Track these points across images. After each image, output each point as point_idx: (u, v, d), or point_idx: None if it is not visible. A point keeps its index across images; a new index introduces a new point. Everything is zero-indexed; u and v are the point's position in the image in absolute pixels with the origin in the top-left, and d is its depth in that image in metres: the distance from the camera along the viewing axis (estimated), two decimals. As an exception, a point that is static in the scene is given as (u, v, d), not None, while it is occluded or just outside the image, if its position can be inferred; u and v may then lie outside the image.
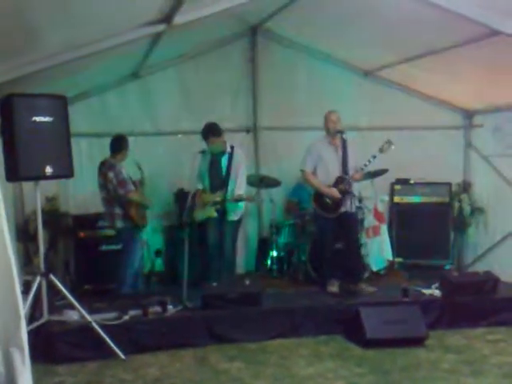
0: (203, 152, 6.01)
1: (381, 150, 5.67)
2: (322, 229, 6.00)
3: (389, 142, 5.68)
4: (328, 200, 5.78)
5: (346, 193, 5.71)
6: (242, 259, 7.11)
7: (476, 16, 4.88)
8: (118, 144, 5.84)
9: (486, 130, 7.26)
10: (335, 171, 5.78)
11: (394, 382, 4.14)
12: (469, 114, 7.60)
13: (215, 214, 5.87)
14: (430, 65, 6.22)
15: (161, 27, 4.61)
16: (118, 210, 5.70)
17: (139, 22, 4.52)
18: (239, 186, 5.90)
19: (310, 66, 7.25)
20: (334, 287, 5.83)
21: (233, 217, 5.95)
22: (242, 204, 5.94)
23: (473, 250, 7.40)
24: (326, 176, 5.83)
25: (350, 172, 5.71)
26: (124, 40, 4.53)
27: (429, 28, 5.33)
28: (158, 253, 6.79)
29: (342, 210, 5.75)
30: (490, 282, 5.67)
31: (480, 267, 6.71)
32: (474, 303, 5.51)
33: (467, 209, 7.27)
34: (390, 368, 4.43)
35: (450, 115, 7.63)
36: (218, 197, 5.85)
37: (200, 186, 6.06)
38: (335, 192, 5.72)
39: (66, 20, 3.93)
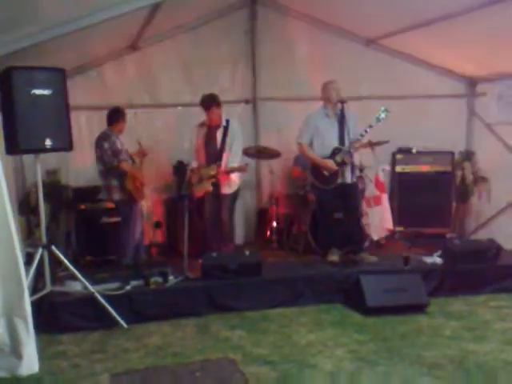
0: (201, 125, 6.02)
1: (377, 119, 5.62)
2: (320, 200, 6.00)
3: (385, 111, 5.62)
4: (325, 172, 5.77)
5: (343, 164, 5.69)
6: (242, 230, 7.13)
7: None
8: (114, 116, 5.86)
9: (490, 98, 7.19)
10: (332, 142, 5.74)
11: (395, 349, 4.17)
12: (472, 82, 7.52)
13: (211, 188, 5.89)
14: (432, 33, 6.12)
15: (159, -3, 4.56)
16: (114, 183, 5.75)
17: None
18: (232, 158, 5.90)
19: (311, 35, 7.14)
20: (334, 256, 5.85)
21: (227, 190, 5.96)
22: (234, 176, 5.94)
23: (475, 218, 7.40)
24: (322, 148, 5.79)
25: (349, 142, 5.66)
26: (122, 11, 4.48)
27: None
28: (157, 224, 6.82)
29: (340, 181, 5.73)
30: (492, 249, 5.68)
31: (483, 235, 6.71)
32: (477, 271, 5.53)
33: (470, 177, 7.24)
34: (390, 335, 4.47)
35: (452, 83, 7.55)
36: (212, 170, 5.86)
37: (194, 164, 6.06)
38: (331, 164, 5.70)
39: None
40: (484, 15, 5.29)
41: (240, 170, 5.91)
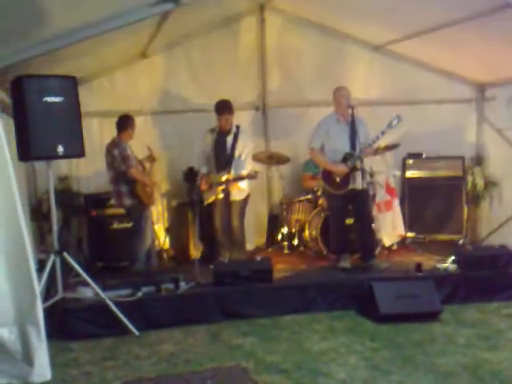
0: (212, 130, 6.03)
1: (389, 126, 5.59)
2: (331, 205, 5.99)
3: (398, 117, 5.60)
4: (336, 177, 5.75)
5: (354, 169, 5.67)
6: (253, 236, 7.12)
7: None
8: (124, 122, 5.89)
9: (499, 103, 7.16)
10: (343, 148, 5.73)
11: (409, 357, 4.13)
12: (481, 87, 7.50)
13: (221, 195, 5.89)
14: (441, 38, 6.11)
15: (169, 6, 4.57)
16: (124, 189, 5.77)
17: (147, 1, 4.48)
18: (242, 166, 5.90)
19: (319, 41, 7.16)
20: (346, 263, 5.82)
21: (237, 196, 5.97)
22: (244, 183, 5.94)
23: (487, 223, 7.35)
24: (333, 152, 5.79)
25: (360, 148, 5.65)
26: (132, 19, 4.52)
27: (440, 1, 5.23)
28: (168, 230, 6.82)
29: (351, 186, 5.72)
30: (504, 256, 5.63)
31: (494, 241, 6.67)
32: (489, 277, 5.48)
33: (481, 182, 7.21)
34: (404, 343, 4.42)
35: (462, 88, 7.53)
36: (222, 177, 5.86)
37: (204, 170, 6.07)
38: (342, 168, 5.68)
39: (74, 0, 3.92)
40: (492, 20, 5.28)
41: (249, 177, 5.87)
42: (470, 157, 7.41)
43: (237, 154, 5.94)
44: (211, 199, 5.99)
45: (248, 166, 5.95)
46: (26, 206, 5.29)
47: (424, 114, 7.22)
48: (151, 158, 6.07)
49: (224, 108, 5.92)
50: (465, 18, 5.49)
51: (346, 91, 5.80)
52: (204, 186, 5.98)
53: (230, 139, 5.99)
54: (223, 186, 5.86)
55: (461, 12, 5.44)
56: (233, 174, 5.86)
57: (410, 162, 7.35)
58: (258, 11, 7.08)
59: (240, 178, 5.86)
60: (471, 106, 7.54)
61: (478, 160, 7.39)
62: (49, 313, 4.36)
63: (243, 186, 5.98)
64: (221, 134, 6.04)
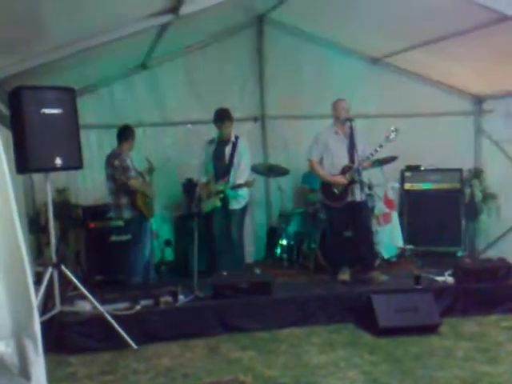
0: (211, 142, 6.05)
1: (387, 139, 5.61)
2: (330, 218, 5.98)
3: (395, 130, 5.62)
4: (335, 189, 5.76)
5: (353, 182, 5.68)
6: (252, 248, 7.11)
7: (486, 1, 4.82)
8: (124, 134, 5.89)
9: (497, 116, 7.20)
10: (342, 160, 5.75)
11: (408, 371, 4.11)
12: (479, 100, 7.54)
13: (219, 204, 5.90)
14: (438, 51, 6.16)
15: (168, 17, 4.60)
16: (124, 200, 5.74)
17: (146, 12, 4.51)
18: (239, 175, 5.92)
19: (317, 54, 7.20)
20: (345, 275, 5.80)
21: (234, 205, 5.99)
22: (242, 192, 5.95)
23: (485, 236, 7.35)
24: (332, 165, 5.81)
25: (358, 161, 5.66)
26: (131, 31, 4.55)
27: (437, 14, 5.27)
28: (167, 243, 6.81)
29: (350, 198, 5.72)
30: (503, 268, 5.62)
31: (492, 254, 6.68)
32: (488, 290, 5.46)
33: (479, 195, 7.22)
34: (403, 356, 4.40)
35: (459, 101, 7.57)
36: (220, 185, 5.90)
37: (204, 179, 6.08)
38: (341, 179, 5.69)
39: (73, 11, 3.94)
40: (490, 33, 5.31)
41: (247, 185, 5.91)
42: (468, 169, 7.42)
43: (235, 163, 5.96)
44: (210, 208, 5.99)
45: (245, 174, 5.96)
46: (23, 218, 5.26)
47: (422, 127, 7.24)
48: (150, 170, 6.07)
49: (223, 116, 5.97)
50: (463, 31, 5.53)
51: (344, 104, 5.82)
52: (203, 195, 5.98)
53: (228, 149, 6.02)
54: (221, 195, 5.88)
55: (459, 25, 5.48)
56: (231, 182, 5.89)
57: (409, 174, 7.36)
58: (257, 23, 7.13)
59: (238, 187, 5.87)
60: (469, 118, 7.57)
61: (476, 172, 7.40)
62: (46, 326, 4.31)
63: (242, 195, 5.97)
64: (220, 144, 6.08)
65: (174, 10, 4.51)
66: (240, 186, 5.88)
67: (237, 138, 6.07)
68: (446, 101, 7.48)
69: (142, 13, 4.51)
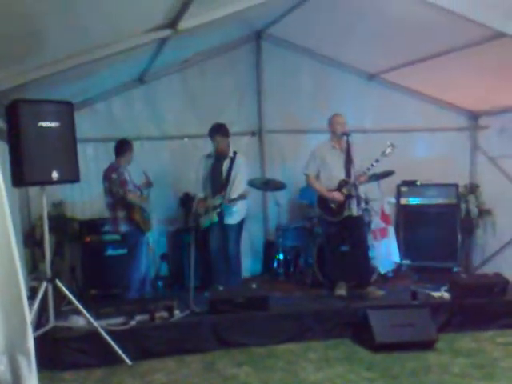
0: (208, 156, 6.05)
1: (383, 154, 5.64)
2: (327, 232, 5.98)
3: (391, 146, 5.65)
4: (332, 204, 5.76)
5: (349, 196, 5.69)
6: (249, 263, 7.08)
7: (481, 18, 4.87)
8: (121, 147, 5.90)
9: (492, 132, 7.24)
10: (339, 175, 5.76)
11: (404, 387, 4.10)
12: (474, 116, 7.57)
13: (216, 219, 5.90)
14: (434, 67, 6.19)
15: (166, 32, 4.62)
16: (121, 214, 5.73)
17: (145, 27, 4.53)
18: (234, 190, 5.93)
19: (315, 69, 7.25)
20: (341, 290, 5.79)
21: (230, 220, 5.99)
22: (236, 208, 5.95)
23: (481, 251, 7.34)
24: (329, 180, 5.82)
25: (354, 175, 5.67)
26: (129, 45, 4.56)
27: (433, 31, 5.32)
28: (163, 257, 6.77)
29: (346, 213, 5.73)
30: (499, 284, 5.62)
31: (488, 269, 6.67)
32: (484, 306, 5.45)
33: (474, 210, 7.23)
34: (399, 372, 4.37)
35: (455, 117, 7.61)
36: (217, 200, 5.91)
37: (201, 194, 6.09)
38: (337, 195, 5.70)
39: (71, 26, 3.95)
40: (484, 50, 5.36)
41: (241, 197, 5.92)
42: (464, 184, 7.43)
43: (233, 178, 5.97)
44: (207, 223, 5.98)
45: (240, 190, 5.96)
46: (18, 231, 5.23)
47: (418, 142, 7.28)
48: (148, 184, 6.06)
49: (214, 130, 5.98)
50: (458, 48, 5.58)
51: (341, 118, 5.85)
52: (201, 211, 5.98)
53: (226, 164, 6.04)
54: (218, 209, 5.88)
55: (454, 42, 5.53)
56: (227, 197, 5.90)
57: (405, 189, 7.36)
58: (255, 39, 7.17)
59: (232, 201, 5.88)
60: (464, 134, 7.60)
61: (472, 188, 7.42)
62: (40, 341, 4.26)
63: (237, 210, 5.97)
64: (218, 159, 6.09)
65: (173, 25, 4.53)
66: (234, 200, 5.89)
67: (235, 153, 6.08)
68: (442, 116, 7.52)
69: (141, 27, 4.53)
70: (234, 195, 5.92)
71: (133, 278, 5.75)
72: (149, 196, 6.03)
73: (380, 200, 6.66)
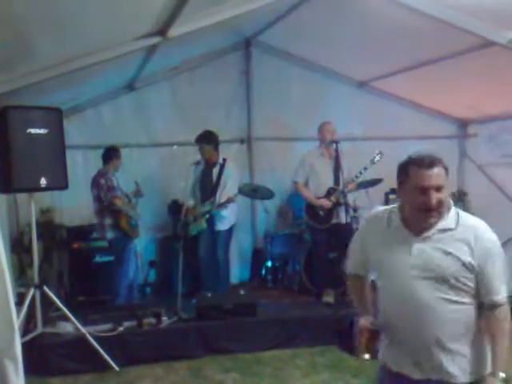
0: (197, 163, 6.07)
1: (372, 162, 5.69)
2: (315, 240, 6.01)
3: (380, 153, 5.70)
4: (320, 211, 5.79)
5: (338, 204, 5.72)
6: (237, 269, 7.08)
7: (470, 27, 4.90)
8: (110, 154, 5.94)
9: (481, 140, 7.29)
10: (327, 182, 5.80)
11: (391, 393, 4.11)
12: (463, 124, 7.63)
13: (205, 226, 5.90)
14: (423, 75, 6.23)
15: (156, 40, 4.63)
16: (108, 221, 5.75)
17: (134, 34, 4.54)
18: (225, 195, 5.94)
19: (304, 77, 7.25)
20: (329, 297, 5.81)
21: (221, 226, 6.00)
22: (225, 213, 5.95)
23: (470, 259, 7.36)
24: (317, 187, 5.85)
25: (343, 183, 5.71)
26: (119, 53, 4.56)
27: (422, 39, 5.35)
28: (151, 264, 6.77)
29: (334, 221, 5.76)
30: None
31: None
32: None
33: (463, 218, 7.25)
34: (386, 379, 4.40)
35: (444, 125, 7.66)
36: (206, 207, 5.92)
37: (190, 202, 6.08)
38: (325, 202, 5.73)
39: (60, 33, 3.96)
40: (474, 58, 5.38)
41: (229, 200, 5.90)
42: (452, 192, 7.47)
43: (222, 185, 5.98)
44: (196, 231, 5.99)
45: (231, 193, 5.96)
46: (6, 237, 5.21)
47: (406, 150, 7.19)
48: (138, 193, 6.08)
49: (198, 139, 6.00)
50: (447, 56, 5.60)
51: (330, 126, 5.90)
52: (190, 218, 5.98)
53: (216, 170, 6.06)
54: (207, 216, 5.89)
55: (443, 50, 5.55)
56: (216, 203, 5.91)
57: (393, 196, 7.39)
58: (244, 46, 7.19)
59: (221, 205, 5.89)
60: (453, 142, 7.66)
61: (460, 195, 7.47)
62: (27, 347, 4.27)
63: (226, 216, 5.98)
64: (207, 166, 6.10)
65: (162, 32, 4.55)
66: (223, 204, 5.90)
67: (224, 160, 6.10)
68: (431, 124, 7.56)
69: (131, 35, 4.53)
70: (223, 200, 5.93)
71: (120, 285, 5.75)
72: (137, 204, 6.04)
73: (368, 207, 6.68)
